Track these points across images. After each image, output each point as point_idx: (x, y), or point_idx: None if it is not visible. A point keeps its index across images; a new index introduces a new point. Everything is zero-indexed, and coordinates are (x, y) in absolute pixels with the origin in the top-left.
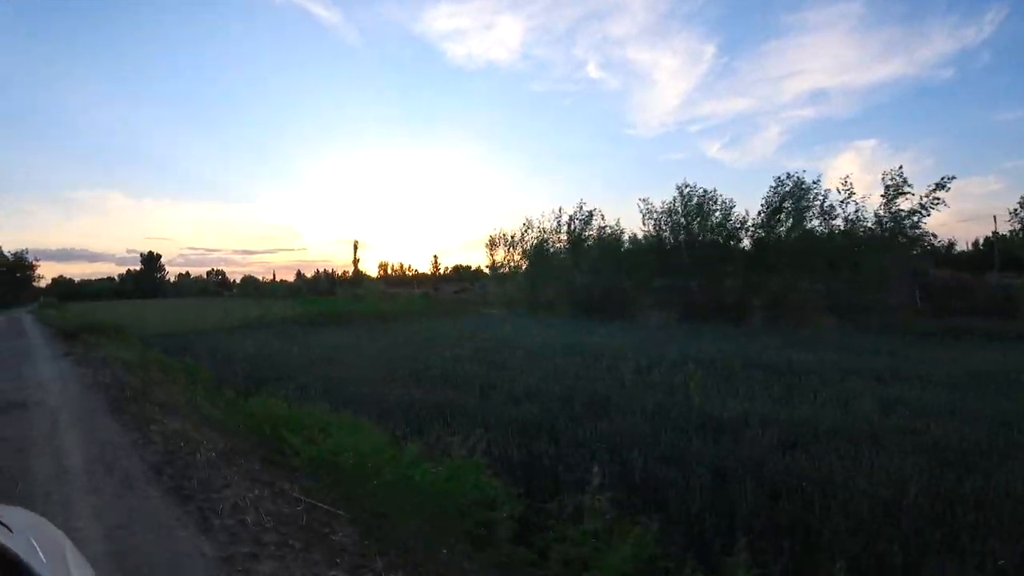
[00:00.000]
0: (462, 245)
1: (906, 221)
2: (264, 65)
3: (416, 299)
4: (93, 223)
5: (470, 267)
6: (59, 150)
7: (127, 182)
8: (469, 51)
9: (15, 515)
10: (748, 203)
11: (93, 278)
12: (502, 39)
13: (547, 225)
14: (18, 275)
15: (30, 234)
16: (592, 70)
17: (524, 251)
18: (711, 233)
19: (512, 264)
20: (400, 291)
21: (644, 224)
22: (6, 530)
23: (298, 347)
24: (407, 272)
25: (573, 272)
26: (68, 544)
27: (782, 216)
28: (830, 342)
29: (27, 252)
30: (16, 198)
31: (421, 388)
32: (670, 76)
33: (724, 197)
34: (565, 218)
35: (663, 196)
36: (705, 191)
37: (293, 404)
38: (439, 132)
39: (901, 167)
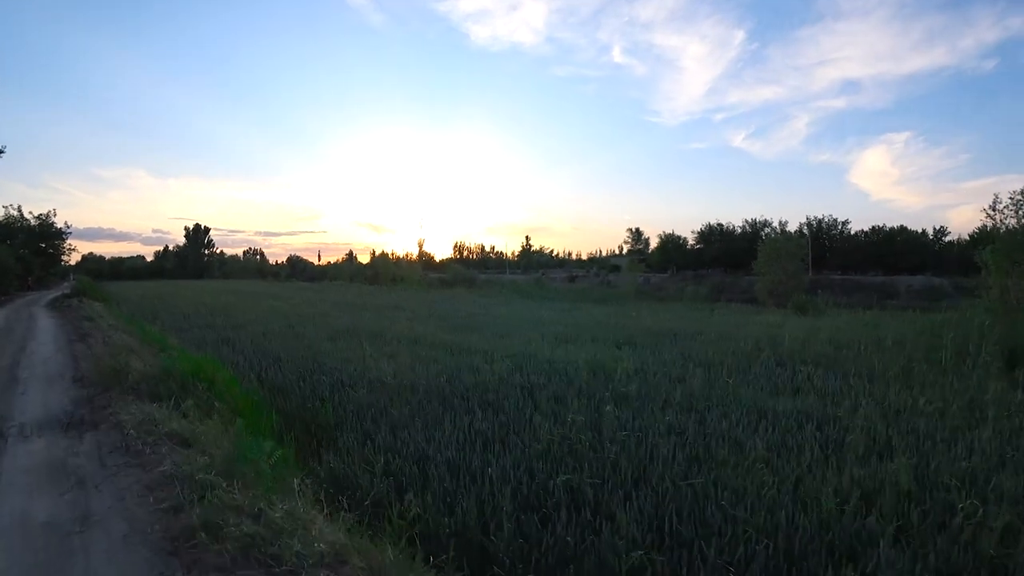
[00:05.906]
0: (484, 230)
1: None
2: (287, 42)
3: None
4: (118, 201)
5: (541, 250)
6: (84, 123)
7: (151, 159)
8: (493, 32)
9: None
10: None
11: (123, 256)
12: (526, 20)
13: None
14: (43, 245)
15: (58, 211)
16: (617, 55)
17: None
18: None
19: None
20: (490, 275)
21: None
22: None
23: None
24: (488, 254)
25: None
26: None
27: None
28: None
29: (55, 214)
30: (41, 171)
31: None
32: (697, 62)
33: None
34: None
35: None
36: None
37: None
38: (462, 114)
39: None
